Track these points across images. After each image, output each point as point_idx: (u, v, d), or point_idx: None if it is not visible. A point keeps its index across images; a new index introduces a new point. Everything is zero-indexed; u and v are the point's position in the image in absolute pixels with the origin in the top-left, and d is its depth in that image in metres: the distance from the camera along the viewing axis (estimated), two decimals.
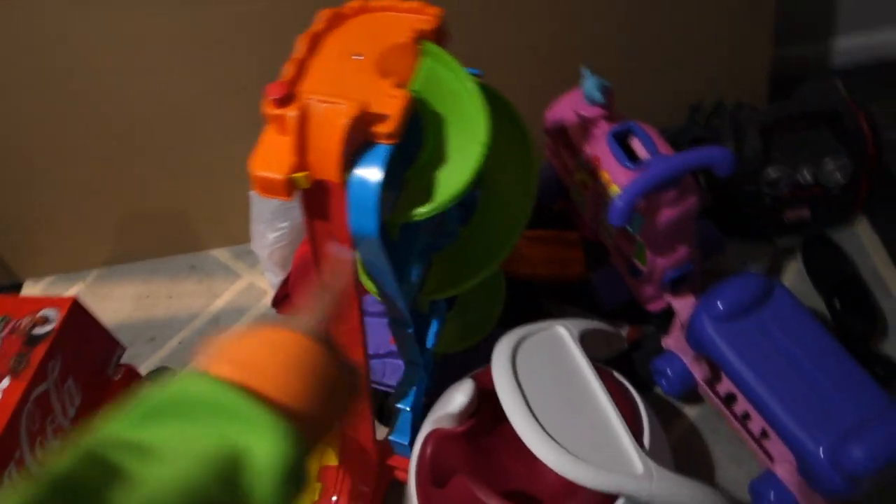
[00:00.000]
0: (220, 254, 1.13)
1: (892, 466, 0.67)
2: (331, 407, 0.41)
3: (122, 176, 1.04)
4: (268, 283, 1.06)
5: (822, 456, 0.69)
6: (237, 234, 1.09)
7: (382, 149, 0.55)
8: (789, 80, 1.16)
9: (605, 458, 0.65)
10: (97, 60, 0.92)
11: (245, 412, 0.36)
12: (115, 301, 1.09)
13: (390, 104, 0.55)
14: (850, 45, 1.18)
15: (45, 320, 0.72)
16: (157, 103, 0.97)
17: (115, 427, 0.36)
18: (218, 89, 0.96)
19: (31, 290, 1.12)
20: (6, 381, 0.68)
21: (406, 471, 0.78)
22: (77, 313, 0.73)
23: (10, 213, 1.07)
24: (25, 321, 0.72)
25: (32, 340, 0.70)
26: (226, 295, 1.08)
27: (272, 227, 1.00)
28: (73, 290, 1.11)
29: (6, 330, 0.71)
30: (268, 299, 1.05)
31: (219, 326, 1.04)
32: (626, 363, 0.88)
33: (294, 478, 0.36)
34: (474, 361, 0.79)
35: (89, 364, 0.75)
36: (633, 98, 0.99)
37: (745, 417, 0.81)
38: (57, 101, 0.95)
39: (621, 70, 1.02)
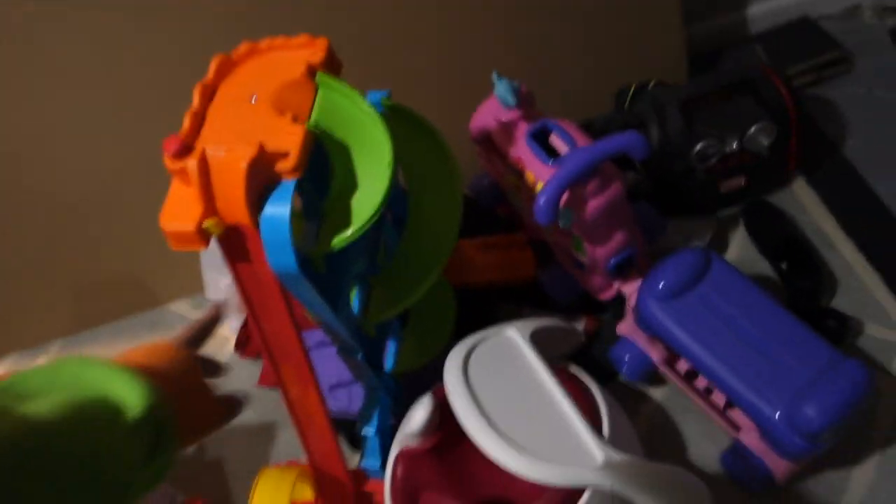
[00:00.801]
0: (179, 306, 1.13)
1: (846, 418, 0.68)
2: (188, 392, 0.51)
3: (74, 243, 1.05)
4: (229, 328, 1.07)
5: (778, 420, 0.70)
6: (193, 285, 1.09)
7: (288, 185, 0.55)
8: (712, 54, 1.18)
9: (563, 452, 0.66)
10: (38, 135, 0.93)
11: (113, 371, 0.44)
12: None
13: (289, 140, 0.55)
14: (763, 10, 1.20)
15: None
16: (91, 172, 0.98)
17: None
18: (147, 152, 0.97)
19: None
20: None
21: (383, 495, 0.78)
22: None
23: None
24: None
25: None
26: None
27: (224, 273, 1.00)
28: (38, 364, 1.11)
29: None
30: (231, 345, 1.05)
31: None
32: (587, 355, 0.89)
33: (153, 423, 0.42)
34: (438, 376, 0.79)
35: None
36: (560, 93, 1.01)
37: (708, 391, 0.82)
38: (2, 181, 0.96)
39: (538, 68, 1.04)
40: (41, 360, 1.11)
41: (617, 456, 0.66)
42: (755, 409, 0.71)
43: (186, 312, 1.12)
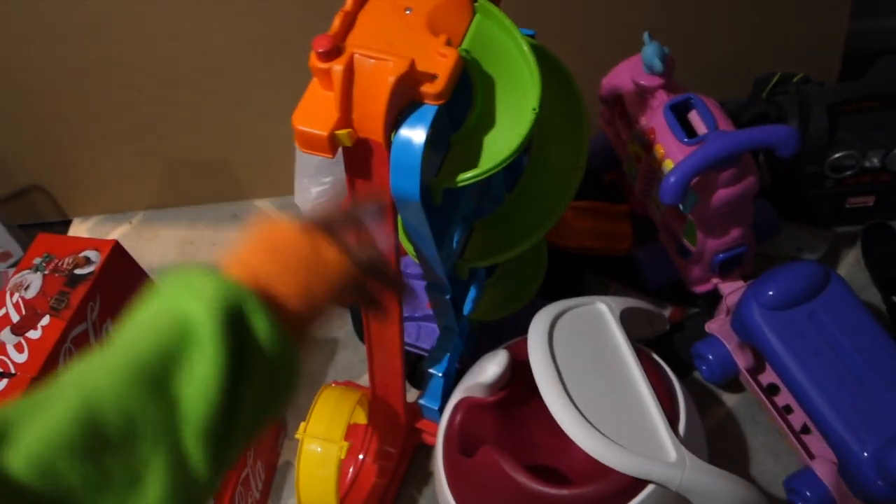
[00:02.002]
0: (264, 204, 1.13)
1: None
2: (309, 281, 0.43)
3: (171, 121, 1.04)
4: None
5: (865, 459, 0.66)
6: (281, 186, 1.08)
7: (428, 109, 0.53)
8: (862, 57, 1.09)
9: (637, 442, 0.64)
10: (145, 5, 0.92)
11: (194, 279, 0.39)
12: (159, 244, 1.10)
13: (439, 63, 0.52)
14: None
15: (87, 261, 0.72)
16: (206, 51, 0.96)
17: None
18: (265, 39, 0.95)
19: (78, 228, 1.14)
20: (46, 319, 0.69)
21: (433, 435, 0.78)
22: (118, 256, 0.74)
23: (59, 152, 1.08)
24: (67, 261, 0.72)
25: (73, 280, 0.71)
26: None
27: (316, 181, 0.99)
28: (118, 231, 1.12)
29: (49, 268, 0.72)
30: None
31: None
32: (666, 345, 0.86)
33: (233, 326, 0.37)
34: (511, 331, 0.77)
35: (128, 307, 0.76)
36: (694, 67, 0.95)
37: (787, 410, 0.78)
38: (107, 44, 0.95)
39: (684, 36, 0.98)
40: (122, 229, 1.12)
41: (690, 457, 0.64)
42: (842, 441, 0.68)
43: (270, 212, 1.11)
